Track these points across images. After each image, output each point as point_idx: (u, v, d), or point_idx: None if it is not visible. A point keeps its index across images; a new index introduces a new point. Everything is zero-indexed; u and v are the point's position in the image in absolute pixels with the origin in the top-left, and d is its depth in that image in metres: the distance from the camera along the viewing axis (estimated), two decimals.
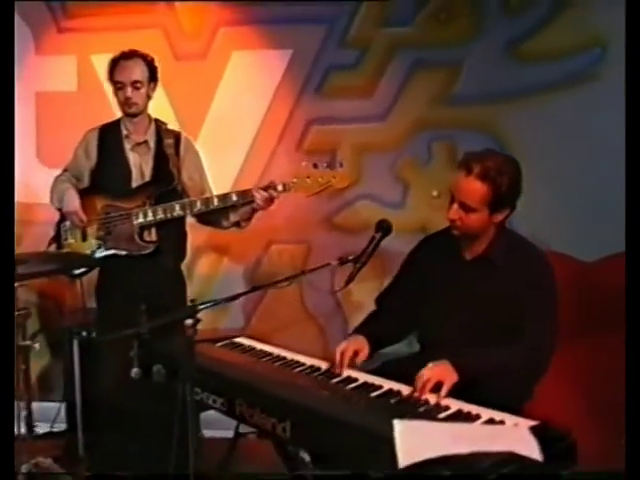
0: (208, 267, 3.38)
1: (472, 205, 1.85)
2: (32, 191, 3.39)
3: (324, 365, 1.94)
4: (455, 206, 1.89)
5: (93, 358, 2.83)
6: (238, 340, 2.22)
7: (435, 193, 3.21)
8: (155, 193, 2.52)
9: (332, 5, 3.22)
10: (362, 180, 3.21)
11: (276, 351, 2.08)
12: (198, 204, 2.48)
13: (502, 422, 1.53)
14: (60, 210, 2.61)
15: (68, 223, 2.57)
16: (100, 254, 2.53)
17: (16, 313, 2.11)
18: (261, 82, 3.29)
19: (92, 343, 2.86)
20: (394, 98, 3.22)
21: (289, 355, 2.04)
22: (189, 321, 1.77)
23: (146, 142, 2.60)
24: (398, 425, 1.43)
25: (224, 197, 2.48)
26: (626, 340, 1.66)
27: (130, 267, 2.53)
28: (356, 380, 1.82)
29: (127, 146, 2.60)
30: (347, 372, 1.88)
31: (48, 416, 3.01)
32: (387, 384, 1.77)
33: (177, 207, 2.48)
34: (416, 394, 1.69)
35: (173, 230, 2.58)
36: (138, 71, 2.51)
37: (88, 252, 2.53)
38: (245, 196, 2.44)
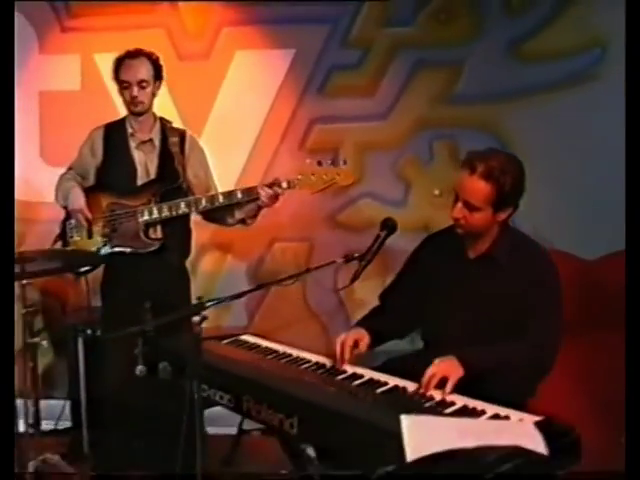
0: (211, 265, 3.40)
1: (476, 204, 1.87)
2: (35, 190, 3.41)
3: (329, 362, 1.96)
4: (459, 205, 1.90)
5: (98, 356, 2.85)
6: (243, 338, 2.23)
7: (437, 192, 3.23)
8: (160, 191, 2.54)
9: (334, 5, 3.24)
10: (364, 178, 3.24)
11: (281, 348, 2.10)
12: (203, 202, 2.50)
13: (507, 417, 1.55)
14: (65, 208, 2.62)
15: (73, 221, 2.58)
16: (105, 251, 2.54)
17: (24, 311, 2.13)
18: (264, 81, 3.31)
19: (97, 341, 2.89)
20: (396, 97, 3.25)
21: (294, 352, 2.05)
22: (196, 318, 1.79)
23: (151, 140, 2.62)
24: (405, 420, 1.45)
25: (229, 194, 2.50)
26: (626, 338, 1.67)
27: (135, 264, 2.54)
28: (362, 377, 1.84)
29: (132, 144, 2.61)
30: (352, 369, 1.90)
31: (52, 413, 3.03)
32: (392, 381, 1.79)
33: (182, 205, 2.50)
34: (422, 390, 1.71)
35: (178, 227, 2.60)
36: (144, 70, 2.52)
37: (94, 249, 2.54)
38: (250, 193, 2.46)
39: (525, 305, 1.88)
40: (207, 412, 2.65)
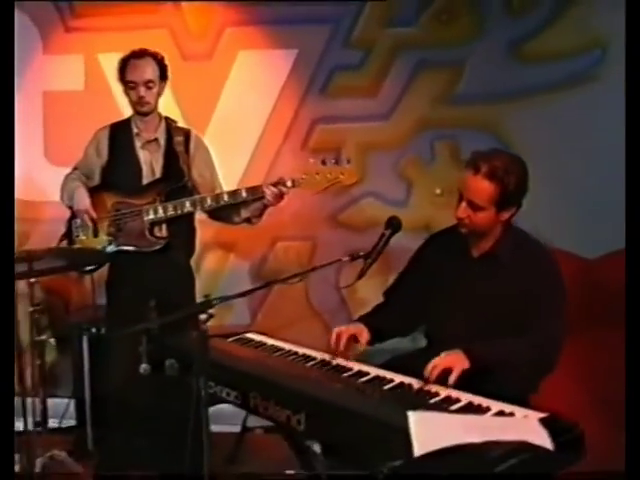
0: (214, 263, 3.43)
1: (480, 203, 1.89)
2: (40, 189, 3.43)
3: (335, 360, 1.98)
4: (463, 204, 1.93)
5: (102, 354, 2.87)
6: (249, 335, 2.26)
7: (438, 191, 3.26)
8: (165, 190, 2.56)
9: (337, 6, 3.26)
10: (366, 178, 3.26)
11: (287, 346, 2.12)
12: (208, 200, 2.52)
13: (512, 414, 1.57)
14: (71, 208, 2.64)
15: (79, 220, 2.60)
16: (111, 250, 2.56)
17: (31, 309, 2.15)
18: (267, 82, 3.34)
19: (101, 339, 2.91)
20: (398, 98, 3.28)
21: (300, 350, 2.08)
22: (203, 316, 1.81)
23: (156, 140, 2.63)
24: (412, 416, 1.47)
25: (234, 193, 2.52)
26: (626, 338, 1.69)
27: (140, 263, 2.56)
28: (368, 374, 1.86)
29: (137, 144, 2.63)
30: (358, 366, 1.92)
31: (56, 412, 3.04)
32: (398, 377, 1.81)
33: (187, 204, 2.52)
34: (426, 387, 1.73)
35: (183, 226, 2.62)
36: (150, 70, 2.54)
37: (99, 248, 2.56)
38: (255, 192, 2.48)
39: (528, 303, 1.90)
40: (210, 410, 2.69)
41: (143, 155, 2.62)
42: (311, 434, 1.68)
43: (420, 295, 2.10)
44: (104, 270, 2.68)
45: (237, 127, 3.32)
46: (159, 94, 2.60)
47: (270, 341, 2.18)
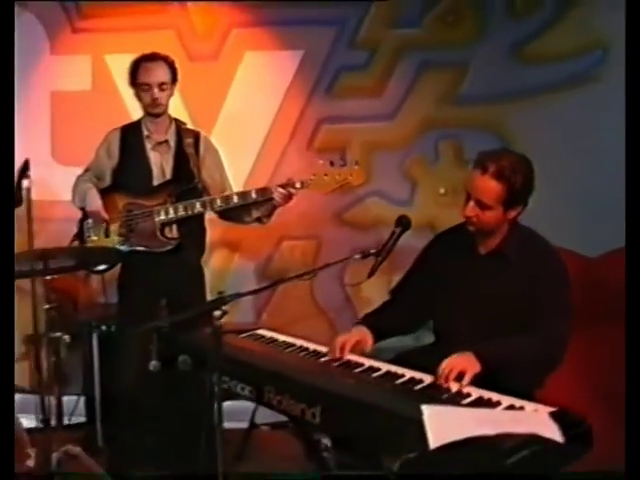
0: (221, 262, 3.46)
1: (488, 202, 1.93)
2: (47, 189, 3.45)
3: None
4: (471, 203, 1.96)
5: (112, 352, 2.90)
6: (260, 332, 2.29)
7: (442, 190, 3.31)
8: (176, 191, 2.59)
9: (342, 7, 3.30)
10: (371, 178, 3.29)
11: (298, 342, 2.15)
12: (218, 202, 2.56)
13: (522, 408, 1.62)
14: (82, 209, 2.67)
15: (90, 221, 2.63)
16: (124, 250, 2.59)
17: (47, 306, 2.19)
18: (273, 82, 3.37)
19: (111, 337, 2.94)
20: (402, 98, 3.32)
21: (311, 346, 2.11)
22: (217, 312, 1.84)
23: (167, 142, 2.67)
24: (427, 410, 1.51)
25: (244, 194, 2.56)
26: (626, 337, 1.71)
27: (152, 263, 2.59)
28: (379, 369, 1.90)
29: (148, 146, 2.66)
30: (369, 362, 1.96)
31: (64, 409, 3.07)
32: (409, 373, 1.85)
33: (198, 205, 2.55)
34: (439, 382, 1.77)
35: (193, 226, 2.65)
36: (163, 72, 2.57)
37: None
38: (264, 193, 2.52)
39: (535, 300, 1.94)
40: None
41: (154, 157, 2.66)
42: (326, 427, 1.72)
43: (427, 292, 2.14)
44: (113, 269, 2.72)
45: (243, 127, 3.36)
46: (170, 96, 2.64)
47: (281, 337, 2.22)
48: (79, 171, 2.82)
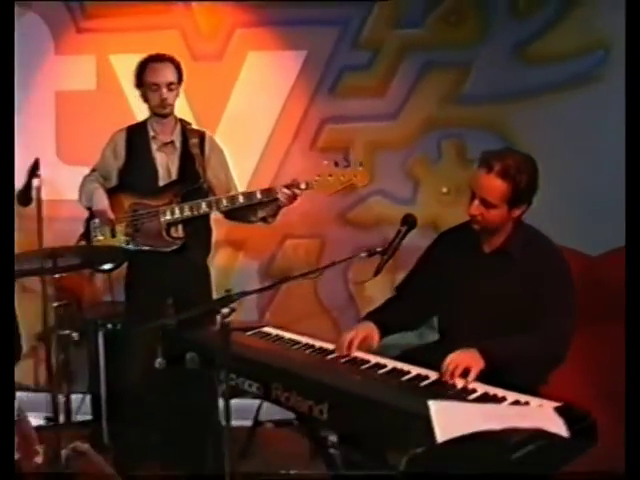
0: (225, 261, 3.48)
1: (493, 201, 1.95)
2: (52, 188, 3.46)
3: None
4: (476, 202, 1.99)
5: (117, 350, 2.92)
6: (266, 329, 2.31)
7: (444, 190, 3.33)
8: (182, 191, 2.61)
9: (345, 7, 3.32)
10: (374, 177, 3.29)
11: (304, 339, 2.17)
12: (224, 202, 2.58)
13: (527, 403, 1.64)
14: (89, 209, 2.69)
15: (97, 220, 2.66)
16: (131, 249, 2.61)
17: (56, 304, 2.21)
18: (276, 82, 3.39)
19: (117, 335, 2.96)
20: (405, 98, 3.34)
21: (317, 343, 2.13)
22: (225, 310, 1.86)
23: (172, 142, 2.69)
24: (433, 405, 1.54)
25: (249, 195, 2.58)
26: (626, 336, 1.72)
27: (158, 262, 2.62)
28: (385, 366, 1.92)
29: (154, 146, 2.68)
30: (375, 359, 1.98)
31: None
32: (415, 369, 1.88)
33: (203, 205, 2.58)
34: (445, 378, 1.79)
35: (199, 226, 2.67)
36: (170, 73, 2.60)
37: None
38: (269, 194, 2.53)
39: (538, 298, 1.96)
40: (222, 404, 2.74)
41: (159, 157, 2.68)
42: (333, 424, 1.74)
43: (432, 289, 2.16)
44: (120, 268, 2.74)
45: (247, 127, 3.38)
46: (177, 97, 2.66)
47: (287, 335, 2.24)
48: (84, 171, 2.85)
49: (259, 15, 3.37)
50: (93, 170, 2.78)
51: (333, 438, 2.05)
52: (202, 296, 2.62)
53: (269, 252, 3.46)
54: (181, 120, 2.74)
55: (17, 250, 2.76)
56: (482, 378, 1.80)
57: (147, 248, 2.62)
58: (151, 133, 2.69)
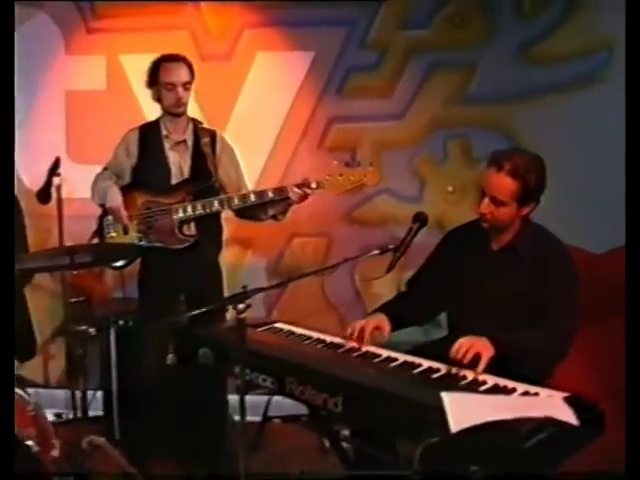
0: (233, 259, 3.51)
1: (503, 199, 2.00)
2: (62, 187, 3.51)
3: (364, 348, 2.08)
4: (486, 200, 2.03)
5: (130, 346, 2.96)
6: (277, 325, 2.35)
7: (450, 189, 3.38)
8: (194, 190, 2.65)
9: (353, 8, 3.36)
10: (381, 176, 3.31)
11: (315, 335, 2.21)
12: (236, 200, 2.61)
13: (537, 394, 1.69)
14: (102, 206, 2.73)
15: (110, 217, 2.69)
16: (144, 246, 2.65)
17: (73, 300, 2.25)
18: (284, 82, 3.44)
19: (128, 332, 3.01)
20: (411, 98, 3.39)
21: (328, 338, 2.17)
22: (241, 306, 1.90)
23: (184, 141, 2.72)
24: (446, 397, 1.58)
25: (260, 194, 2.61)
26: (626, 336, 1.76)
27: (171, 260, 2.65)
28: (396, 359, 1.97)
29: (167, 145, 2.72)
30: (387, 352, 2.02)
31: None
32: (426, 362, 1.92)
33: (216, 203, 2.61)
34: (454, 369, 1.83)
35: (210, 224, 2.71)
36: (184, 73, 2.64)
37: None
38: (281, 193, 2.57)
39: (544, 295, 2.01)
40: (232, 400, 2.78)
41: (172, 156, 2.71)
42: (347, 416, 1.78)
43: (441, 285, 2.20)
44: (133, 265, 2.78)
45: (256, 126, 3.42)
46: (190, 96, 2.70)
47: (299, 330, 2.28)
48: (94, 170, 2.88)
49: (268, 16, 3.41)
50: (105, 168, 2.81)
51: (346, 432, 2.10)
52: (214, 293, 2.67)
53: (277, 250, 3.51)
54: (193, 119, 2.78)
55: (31, 248, 2.83)
56: (491, 371, 1.84)
57: (160, 245, 2.65)
58: (164, 132, 2.72)
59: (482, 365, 1.81)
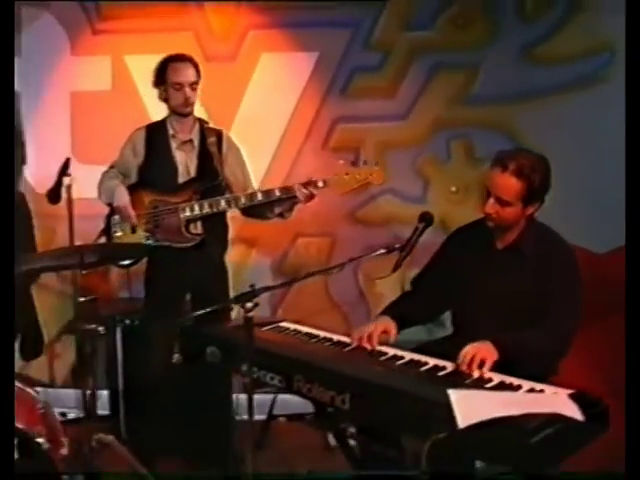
0: (237, 259, 3.53)
1: (508, 199, 2.02)
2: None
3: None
4: (491, 200, 2.05)
5: (136, 345, 2.98)
6: (283, 324, 2.37)
7: (453, 189, 3.41)
8: (201, 189, 2.67)
9: (357, 9, 3.38)
10: (385, 176, 3.39)
11: (321, 333, 2.23)
12: (243, 199, 2.63)
13: (542, 391, 1.71)
14: (109, 205, 2.74)
15: (117, 217, 2.71)
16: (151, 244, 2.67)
17: (82, 299, 2.27)
18: (289, 83, 3.46)
19: (134, 331, 3.02)
20: (415, 98, 3.41)
21: (334, 336, 2.19)
22: (249, 304, 1.92)
23: (191, 141, 2.74)
24: (453, 394, 1.60)
25: (267, 193, 2.63)
26: (626, 336, 1.78)
27: (177, 258, 2.67)
28: (403, 357, 1.99)
29: (173, 145, 2.74)
30: (393, 351, 2.05)
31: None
32: (432, 360, 1.94)
33: (222, 202, 2.63)
34: (461, 369, 1.86)
35: (216, 223, 2.73)
36: (192, 73, 2.66)
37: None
38: (287, 192, 2.59)
39: (547, 294, 2.03)
40: (236, 399, 2.80)
41: (179, 156, 2.73)
42: (355, 413, 1.80)
43: (446, 284, 2.22)
44: (139, 264, 2.80)
45: (260, 127, 3.43)
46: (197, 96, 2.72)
47: (305, 329, 2.29)
48: (99, 170, 2.89)
49: (272, 17, 3.43)
50: (111, 167, 2.82)
51: (352, 429, 2.13)
52: (220, 292, 2.69)
53: (281, 250, 3.52)
54: (199, 119, 2.80)
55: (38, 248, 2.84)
56: (496, 369, 1.86)
57: (166, 244, 2.67)
58: (170, 131, 2.74)
59: (486, 370, 1.84)
